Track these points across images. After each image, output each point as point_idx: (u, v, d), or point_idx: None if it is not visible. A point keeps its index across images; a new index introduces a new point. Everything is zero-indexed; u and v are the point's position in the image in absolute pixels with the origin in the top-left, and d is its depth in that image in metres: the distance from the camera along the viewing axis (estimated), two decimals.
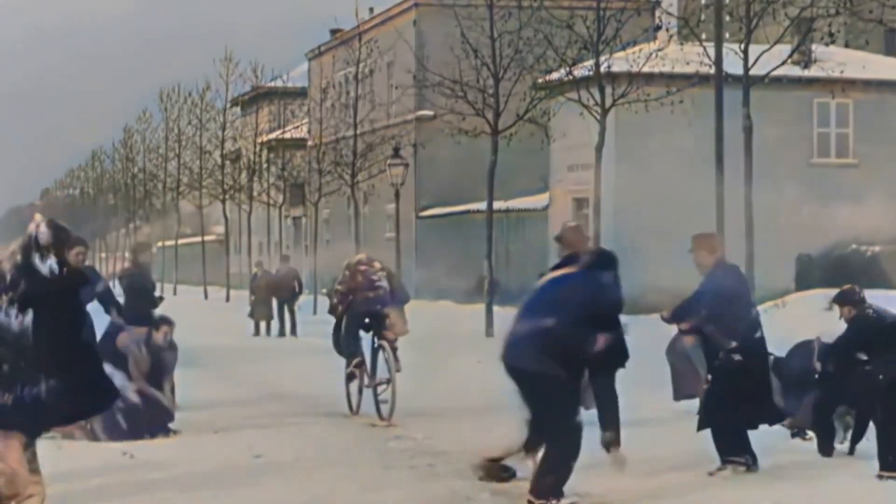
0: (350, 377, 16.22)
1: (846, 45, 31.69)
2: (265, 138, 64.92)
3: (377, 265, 16.47)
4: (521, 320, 9.95)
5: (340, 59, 53.48)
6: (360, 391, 16.18)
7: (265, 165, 61.91)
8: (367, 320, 16.02)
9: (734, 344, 11.31)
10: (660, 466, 11.86)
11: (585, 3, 30.74)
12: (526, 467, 10.72)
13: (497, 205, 35.36)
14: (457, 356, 25.44)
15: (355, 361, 16.00)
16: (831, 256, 33.98)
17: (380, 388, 15.83)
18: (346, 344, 16.14)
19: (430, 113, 44.85)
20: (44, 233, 8.89)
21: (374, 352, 15.99)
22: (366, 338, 16.24)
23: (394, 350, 15.75)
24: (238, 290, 56.88)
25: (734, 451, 11.59)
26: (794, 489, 11.18)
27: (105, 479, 11.45)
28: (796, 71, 30.64)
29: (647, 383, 15.45)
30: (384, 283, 16.12)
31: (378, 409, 15.70)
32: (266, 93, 69.12)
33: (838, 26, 24.75)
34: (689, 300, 11.55)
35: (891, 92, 38.18)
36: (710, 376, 11.76)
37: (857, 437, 12.91)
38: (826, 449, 12.87)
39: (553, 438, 10.02)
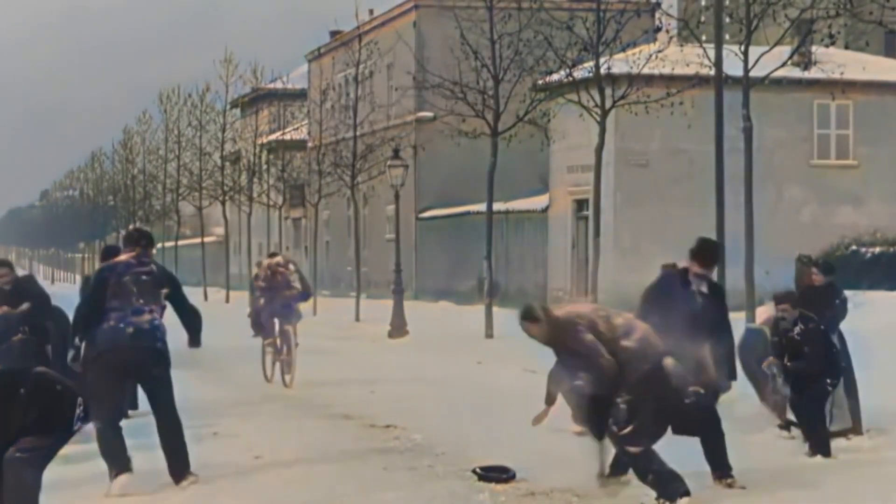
0: (265, 352, 21.10)
1: (846, 47, 31.59)
2: (265, 140, 64.91)
3: (291, 268, 21.32)
4: None
5: (340, 60, 53.48)
6: (273, 363, 20.82)
7: (265, 167, 61.89)
8: (280, 310, 20.79)
9: None
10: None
11: (585, 4, 30.69)
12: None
13: (497, 206, 35.34)
14: (457, 357, 25.46)
15: (269, 340, 20.89)
16: (831, 257, 33.96)
17: (286, 362, 20.29)
18: (261, 327, 21.03)
19: (430, 114, 44.83)
20: None
21: (282, 333, 20.54)
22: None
23: (294, 333, 20.55)
24: (238, 291, 56.87)
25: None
26: (794, 493, 11.18)
27: (104, 480, 11.43)
28: (796, 72, 30.51)
29: None
30: (297, 284, 20.99)
31: (283, 378, 20.16)
32: (266, 94, 69.13)
33: (838, 28, 24.66)
34: None
35: (891, 93, 38.15)
36: None
37: None
38: (823, 446, 12.83)
39: None
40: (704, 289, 11.53)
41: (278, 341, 20.67)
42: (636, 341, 10.50)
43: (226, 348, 27.79)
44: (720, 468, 11.26)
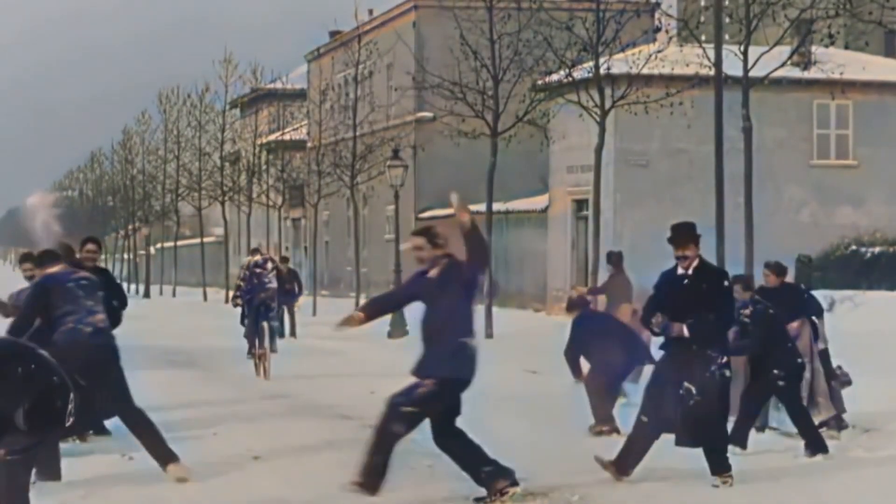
0: (250, 350, 22.70)
1: (846, 47, 31.65)
2: (264, 140, 64.89)
3: (269, 266, 22.90)
4: None
5: (340, 60, 53.48)
6: (255, 358, 22.00)
7: (264, 167, 61.86)
8: (261, 309, 22.38)
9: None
10: (659, 471, 11.85)
11: (585, 4, 30.70)
12: None
13: (496, 206, 35.33)
14: None
15: (252, 339, 22.37)
16: (831, 257, 33.97)
17: (262, 356, 21.52)
18: (247, 328, 22.80)
19: (430, 114, 44.80)
20: None
21: (261, 330, 21.79)
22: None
23: (271, 330, 22.34)
24: None
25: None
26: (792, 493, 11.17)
27: (104, 481, 11.42)
28: (796, 72, 30.54)
29: None
30: (273, 284, 22.65)
31: (263, 372, 21.27)
32: (265, 94, 69.09)
33: (838, 28, 24.69)
34: None
35: (891, 93, 38.13)
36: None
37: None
38: (820, 445, 12.81)
39: None
40: (690, 271, 11.61)
41: (257, 340, 22.17)
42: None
43: (225, 348, 27.79)
44: (719, 467, 11.26)
